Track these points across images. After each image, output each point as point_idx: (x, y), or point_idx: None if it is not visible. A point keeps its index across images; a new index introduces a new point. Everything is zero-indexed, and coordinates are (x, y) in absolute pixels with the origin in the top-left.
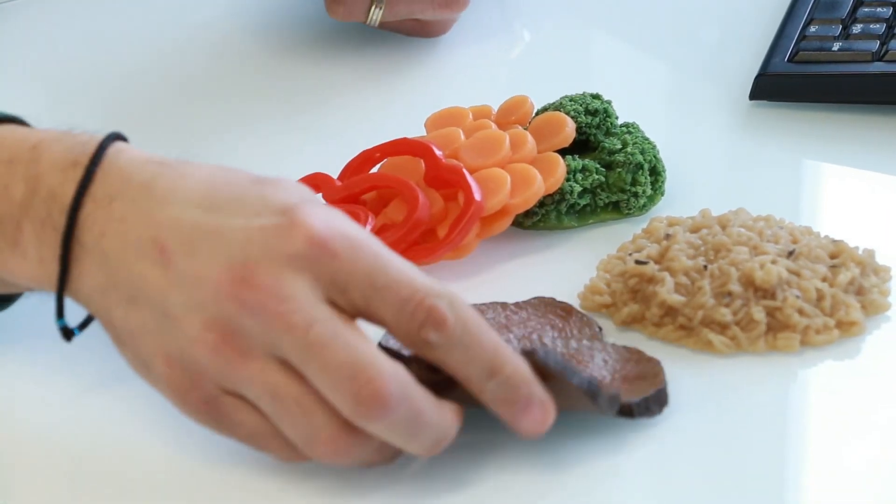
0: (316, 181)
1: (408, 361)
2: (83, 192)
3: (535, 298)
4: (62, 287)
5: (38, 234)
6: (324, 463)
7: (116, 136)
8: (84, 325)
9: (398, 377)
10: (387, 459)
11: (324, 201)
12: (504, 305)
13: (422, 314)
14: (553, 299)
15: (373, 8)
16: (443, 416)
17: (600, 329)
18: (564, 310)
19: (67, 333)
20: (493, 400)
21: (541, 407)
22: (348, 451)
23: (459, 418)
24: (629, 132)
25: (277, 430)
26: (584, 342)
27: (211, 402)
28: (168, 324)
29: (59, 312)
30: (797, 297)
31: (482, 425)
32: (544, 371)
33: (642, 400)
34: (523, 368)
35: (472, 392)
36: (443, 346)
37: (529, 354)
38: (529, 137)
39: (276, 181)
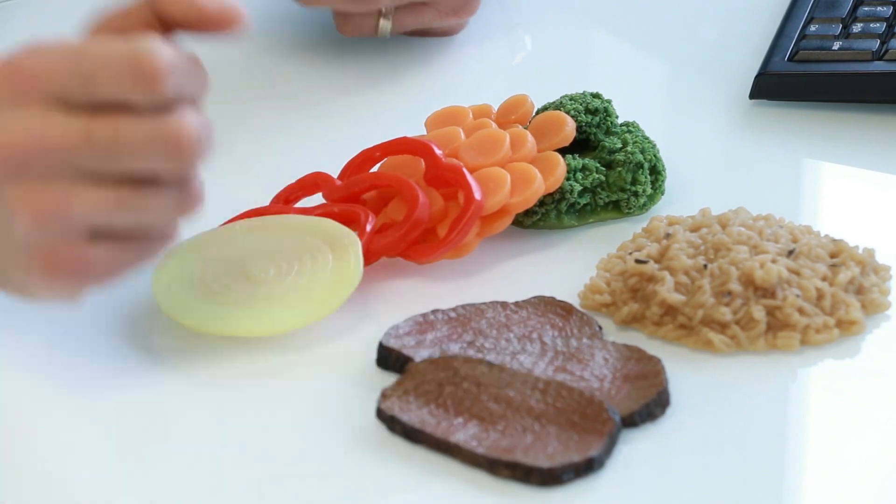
0: (316, 180)
1: (407, 360)
2: None
3: (535, 298)
4: None
5: None
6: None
7: None
8: None
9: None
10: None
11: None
12: (504, 304)
13: (138, 68)
14: (553, 298)
15: (381, 21)
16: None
17: (600, 328)
18: (564, 309)
19: None
20: None
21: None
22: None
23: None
24: (629, 131)
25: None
26: (585, 341)
27: (70, 260)
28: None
29: None
30: (797, 296)
31: None
32: None
33: (643, 406)
34: None
35: None
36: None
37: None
38: (529, 136)
39: None
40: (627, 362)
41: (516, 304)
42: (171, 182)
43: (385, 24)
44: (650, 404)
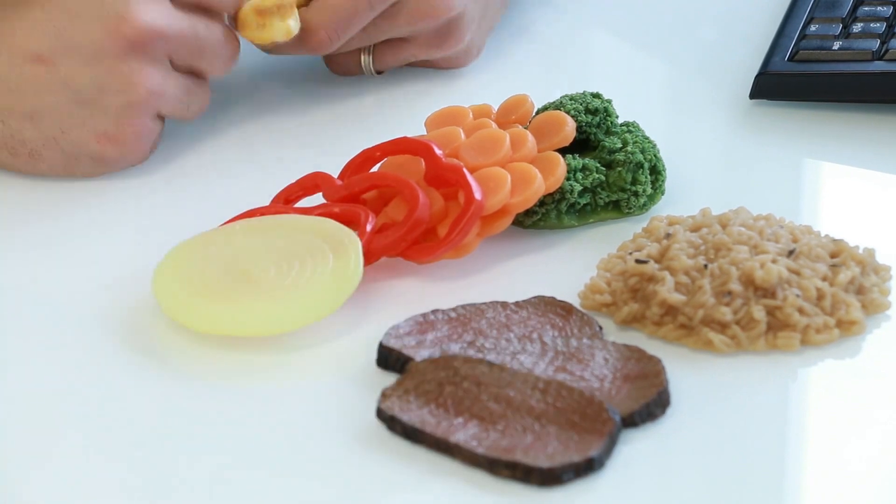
0: (316, 180)
1: (407, 360)
2: None
3: (535, 297)
4: None
5: None
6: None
7: None
8: None
9: None
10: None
11: None
12: (504, 304)
13: None
14: (553, 298)
15: (363, 57)
16: None
17: (600, 328)
18: (564, 309)
19: None
20: None
21: None
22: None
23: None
24: (629, 131)
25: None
26: (585, 341)
27: (147, 151)
28: (85, 110)
29: None
30: (797, 296)
31: None
32: None
33: (643, 406)
34: None
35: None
36: None
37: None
38: (530, 136)
39: None
40: (628, 362)
41: (516, 304)
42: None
43: (367, 60)
44: (650, 404)
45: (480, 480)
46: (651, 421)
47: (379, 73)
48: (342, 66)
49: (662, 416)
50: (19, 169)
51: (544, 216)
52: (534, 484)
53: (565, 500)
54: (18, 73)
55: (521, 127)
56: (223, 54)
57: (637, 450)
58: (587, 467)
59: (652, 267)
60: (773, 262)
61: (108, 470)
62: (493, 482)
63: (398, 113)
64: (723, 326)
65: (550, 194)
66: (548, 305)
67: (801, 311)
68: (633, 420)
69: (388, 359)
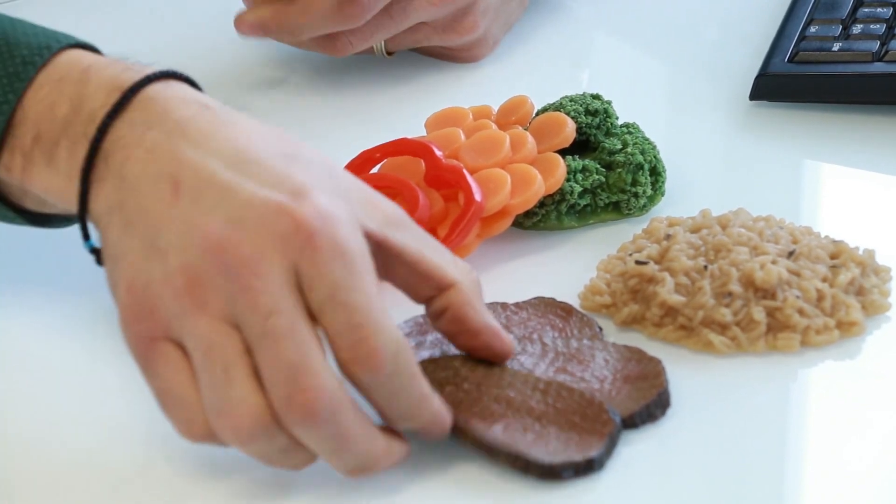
0: None
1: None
2: (114, 115)
3: (535, 298)
4: (83, 204)
5: (71, 150)
6: (225, 445)
7: (172, 74)
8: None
9: (334, 394)
10: (292, 465)
11: (368, 191)
12: (504, 306)
13: (362, 351)
14: (553, 299)
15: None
16: (373, 444)
17: (601, 329)
18: (564, 310)
19: (97, 253)
20: (402, 428)
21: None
22: (251, 436)
23: (398, 452)
24: (629, 132)
25: (191, 400)
26: (585, 342)
27: (150, 342)
28: (151, 255)
29: (85, 234)
30: (797, 297)
31: None
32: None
33: (643, 407)
34: (441, 421)
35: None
36: (370, 384)
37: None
38: (529, 138)
39: (310, 160)
40: (628, 363)
41: (516, 304)
42: None
43: (380, 45)
44: (650, 405)
45: (480, 481)
46: (651, 422)
47: (389, 54)
48: (340, 46)
49: (663, 418)
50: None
51: (544, 217)
52: (532, 476)
53: (565, 499)
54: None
55: (521, 128)
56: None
57: (637, 450)
58: (587, 467)
59: (652, 268)
60: (773, 263)
61: (107, 470)
62: (492, 482)
63: (398, 114)
64: (723, 327)
65: (550, 195)
66: (548, 306)
67: (801, 312)
68: (634, 421)
69: None
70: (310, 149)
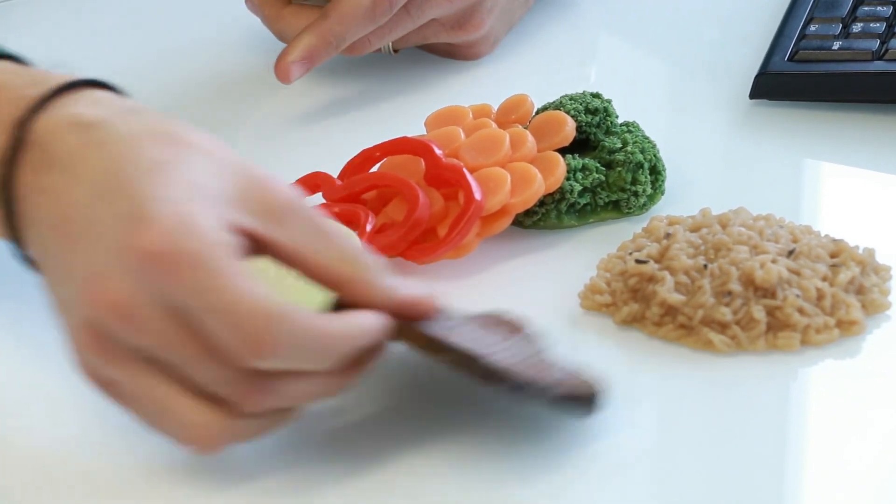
0: (316, 180)
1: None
2: (13, 161)
3: (489, 313)
4: (22, 250)
5: None
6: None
7: (66, 87)
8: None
9: (270, 321)
10: (284, 417)
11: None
12: (451, 317)
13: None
14: (502, 315)
15: None
16: (337, 328)
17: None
18: (515, 326)
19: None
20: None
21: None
22: (220, 437)
23: (367, 326)
24: (629, 131)
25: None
26: (538, 349)
27: (106, 385)
28: (65, 308)
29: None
30: (797, 296)
31: (478, 426)
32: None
33: (572, 391)
34: (368, 332)
35: None
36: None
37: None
38: (529, 136)
39: (184, 160)
40: (566, 370)
41: (466, 317)
42: None
43: (387, 45)
44: (551, 386)
45: (476, 478)
46: (542, 397)
47: (395, 51)
48: (359, 45)
49: (660, 414)
50: None
51: (544, 216)
52: (477, 373)
53: (565, 500)
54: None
55: (520, 127)
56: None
57: (637, 449)
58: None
59: (652, 267)
60: (773, 262)
61: (107, 470)
62: (488, 483)
63: (398, 113)
64: (723, 326)
65: (550, 194)
66: (500, 322)
67: (800, 311)
68: (542, 388)
69: None
70: (193, 138)
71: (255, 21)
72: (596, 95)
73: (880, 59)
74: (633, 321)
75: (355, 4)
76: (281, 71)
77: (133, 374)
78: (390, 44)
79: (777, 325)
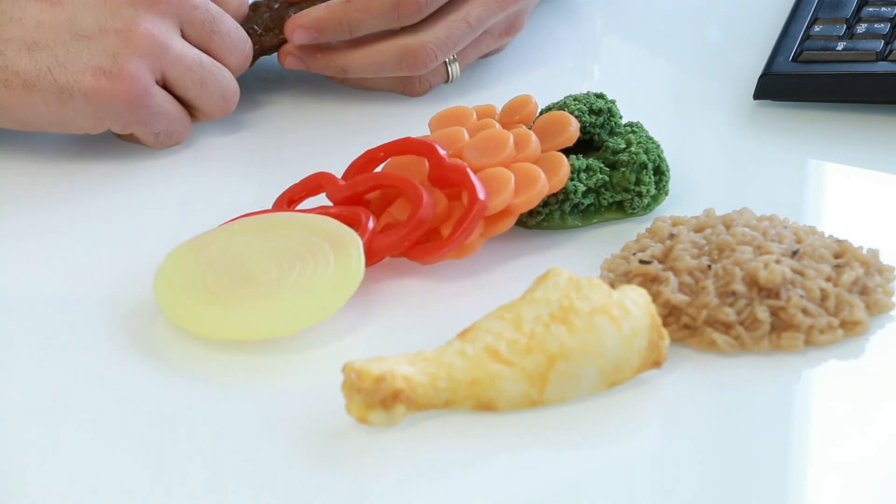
0: (320, 180)
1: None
2: None
3: None
4: None
5: None
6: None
7: None
8: None
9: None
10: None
11: None
12: None
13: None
14: None
15: (450, 67)
16: None
17: None
18: None
19: None
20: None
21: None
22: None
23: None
24: (633, 132)
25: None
26: None
27: (143, 93)
28: (83, 44)
29: None
30: (801, 296)
31: (479, 431)
32: None
33: None
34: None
35: None
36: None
37: None
38: (533, 137)
39: None
40: None
41: None
42: None
43: (455, 68)
44: None
45: (477, 481)
46: None
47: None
48: (426, 84)
49: (663, 415)
50: (12, 105)
51: (548, 216)
52: None
53: (564, 499)
54: (23, 5)
55: (524, 127)
56: (237, 45)
57: (638, 449)
58: None
59: (655, 267)
60: (777, 262)
61: (106, 471)
62: (488, 483)
63: (402, 113)
64: (726, 327)
65: (554, 195)
66: None
67: (804, 311)
68: None
69: None
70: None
71: None
72: (600, 96)
73: (884, 59)
74: None
75: None
76: (288, 27)
77: (184, 48)
78: (458, 70)
79: (781, 325)
